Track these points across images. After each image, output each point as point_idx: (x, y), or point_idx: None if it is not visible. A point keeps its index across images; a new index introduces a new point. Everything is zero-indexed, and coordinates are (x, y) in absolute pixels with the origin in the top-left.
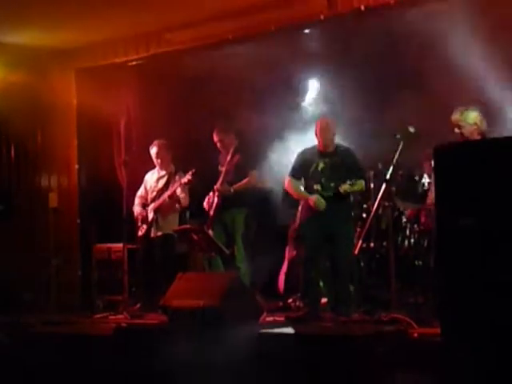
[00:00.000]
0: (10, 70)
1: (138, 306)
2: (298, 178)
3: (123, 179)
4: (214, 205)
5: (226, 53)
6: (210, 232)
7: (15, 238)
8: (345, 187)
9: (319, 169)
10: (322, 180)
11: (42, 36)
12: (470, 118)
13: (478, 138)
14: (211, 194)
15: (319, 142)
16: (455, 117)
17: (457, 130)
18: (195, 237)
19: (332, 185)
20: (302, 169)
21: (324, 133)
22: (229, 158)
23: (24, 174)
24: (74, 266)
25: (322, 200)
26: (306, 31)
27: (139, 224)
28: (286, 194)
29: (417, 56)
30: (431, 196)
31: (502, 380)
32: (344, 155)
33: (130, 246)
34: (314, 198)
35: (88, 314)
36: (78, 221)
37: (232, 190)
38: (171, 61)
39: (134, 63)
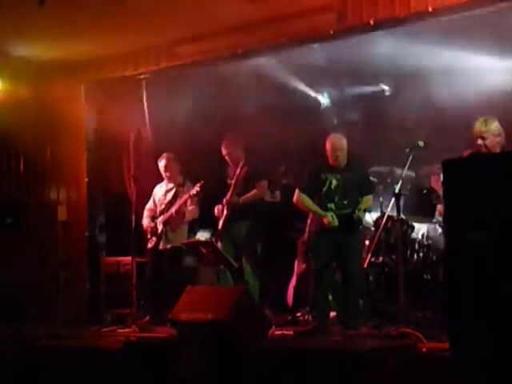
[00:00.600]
0: (19, 84)
1: (147, 319)
2: (310, 194)
3: (132, 193)
4: (223, 217)
5: (236, 66)
6: (219, 245)
7: (24, 250)
8: (359, 214)
9: (332, 187)
10: (336, 199)
11: (50, 49)
12: (494, 129)
13: (499, 150)
14: (220, 205)
15: (331, 158)
16: (478, 127)
17: (480, 142)
18: (204, 250)
19: (345, 203)
20: (314, 185)
21: (335, 149)
22: (238, 171)
23: (33, 187)
24: (82, 279)
25: (336, 218)
26: (315, 45)
27: (148, 237)
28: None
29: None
30: (439, 210)
31: None
32: (356, 170)
33: (138, 259)
34: (328, 218)
35: (96, 328)
36: (87, 234)
37: (240, 201)
38: (181, 74)
39: (143, 76)
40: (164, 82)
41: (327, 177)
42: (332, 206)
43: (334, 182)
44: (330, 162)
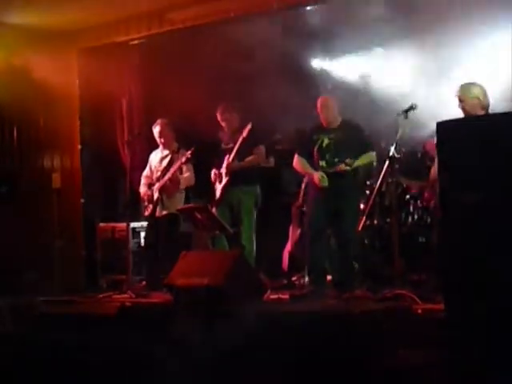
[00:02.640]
0: (10, 52)
1: (143, 284)
2: (304, 155)
3: (126, 159)
4: (223, 183)
5: (228, 31)
6: (214, 210)
7: (19, 219)
8: (341, 167)
9: (324, 145)
10: (327, 156)
11: (42, 17)
12: (471, 92)
13: (481, 112)
14: (216, 170)
15: (322, 118)
16: (457, 91)
17: (461, 104)
18: (199, 216)
19: (336, 160)
20: (307, 145)
21: (325, 109)
22: (244, 134)
23: (27, 155)
24: (77, 246)
25: (325, 176)
26: (309, 8)
27: (145, 204)
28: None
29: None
30: (433, 172)
31: (505, 356)
32: (350, 130)
33: (133, 226)
34: (317, 175)
35: (92, 294)
36: (82, 201)
37: (240, 166)
38: (173, 40)
39: (135, 42)
40: (156, 47)
41: (319, 136)
42: (323, 163)
43: (326, 141)
44: (322, 122)
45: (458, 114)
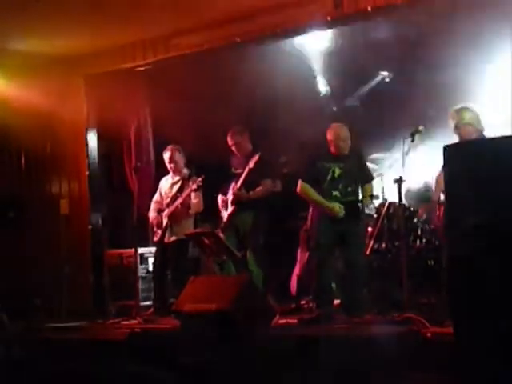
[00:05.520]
0: (18, 78)
1: (151, 310)
2: (313, 184)
3: (134, 185)
4: (230, 210)
5: (235, 56)
6: (221, 235)
7: (27, 245)
8: (365, 201)
9: (336, 175)
10: (340, 186)
11: (49, 43)
12: (464, 118)
13: (476, 137)
14: (223, 196)
15: (333, 147)
16: (451, 115)
17: (455, 130)
18: (207, 241)
19: (349, 190)
20: (316, 175)
21: (337, 139)
22: (253, 161)
23: (35, 181)
24: (85, 272)
25: (342, 207)
26: (314, 32)
27: (154, 229)
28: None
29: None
30: (436, 193)
31: None
32: (356, 158)
33: (141, 251)
34: (336, 209)
35: (101, 320)
36: (90, 227)
37: (247, 197)
38: (179, 65)
39: (142, 68)
40: (164, 73)
41: (330, 165)
42: (337, 193)
43: (338, 171)
44: (332, 150)
45: None
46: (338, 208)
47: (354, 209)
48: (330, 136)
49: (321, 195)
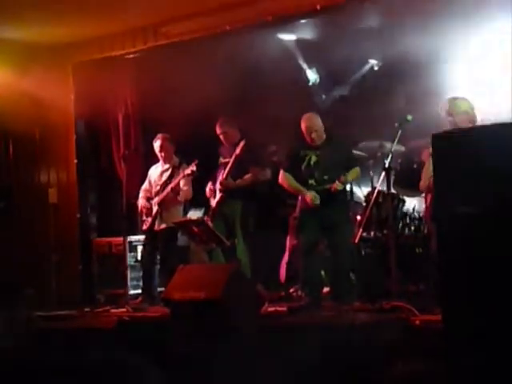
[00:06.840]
0: (6, 66)
1: (140, 299)
2: (293, 173)
3: (122, 173)
4: (218, 198)
5: (224, 44)
6: (210, 223)
7: (15, 234)
8: (336, 186)
9: (312, 163)
10: (316, 174)
11: (37, 31)
12: (460, 107)
13: (470, 125)
14: (211, 184)
15: (306, 137)
16: (446, 105)
17: (449, 118)
18: (195, 229)
19: (326, 177)
20: (294, 163)
21: (309, 129)
22: (238, 150)
23: (23, 170)
24: (74, 261)
25: (317, 195)
26: (303, 21)
27: (144, 217)
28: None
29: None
30: (423, 181)
31: (505, 367)
32: (335, 146)
33: (130, 240)
34: (310, 195)
35: (89, 308)
36: (78, 216)
37: (235, 185)
38: (169, 53)
39: (130, 56)
40: (152, 61)
41: (306, 153)
42: (312, 181)
43: (314, 158)
44: (307, 139)
45: None
46: (313, 196)
47: (333, 196)
48: (302, 126)
49: (300, 184)
